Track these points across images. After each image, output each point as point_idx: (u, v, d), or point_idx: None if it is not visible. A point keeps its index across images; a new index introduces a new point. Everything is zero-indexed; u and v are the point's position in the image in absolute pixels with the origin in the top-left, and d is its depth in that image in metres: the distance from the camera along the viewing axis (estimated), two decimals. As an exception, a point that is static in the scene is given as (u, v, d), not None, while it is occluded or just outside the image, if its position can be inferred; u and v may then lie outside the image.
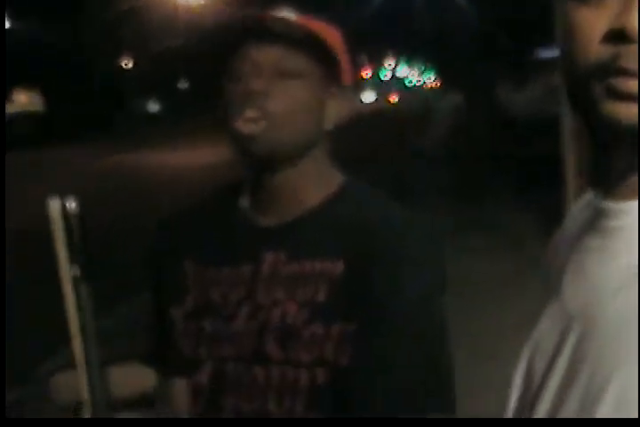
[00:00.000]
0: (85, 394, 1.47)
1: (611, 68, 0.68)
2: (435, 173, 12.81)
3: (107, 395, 1.47)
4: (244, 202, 1.39)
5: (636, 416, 0.64)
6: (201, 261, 1.38)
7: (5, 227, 8.45)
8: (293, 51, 1.27)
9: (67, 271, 1.42)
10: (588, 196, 0.84)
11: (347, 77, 1.35)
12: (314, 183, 1.33)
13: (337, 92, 1.34)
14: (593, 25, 0.70)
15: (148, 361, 1.46)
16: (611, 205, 0.75)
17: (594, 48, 0.70)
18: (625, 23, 0.67)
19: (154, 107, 45.00)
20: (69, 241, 1.42)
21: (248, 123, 1.25)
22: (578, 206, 0.88)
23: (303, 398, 1.26)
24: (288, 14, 1.30)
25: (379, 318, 1.23)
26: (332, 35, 1.32)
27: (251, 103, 1.25)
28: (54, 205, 1.40)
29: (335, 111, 1.34)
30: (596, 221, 0.77)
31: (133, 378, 1.54)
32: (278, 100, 1.25)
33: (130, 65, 38.92)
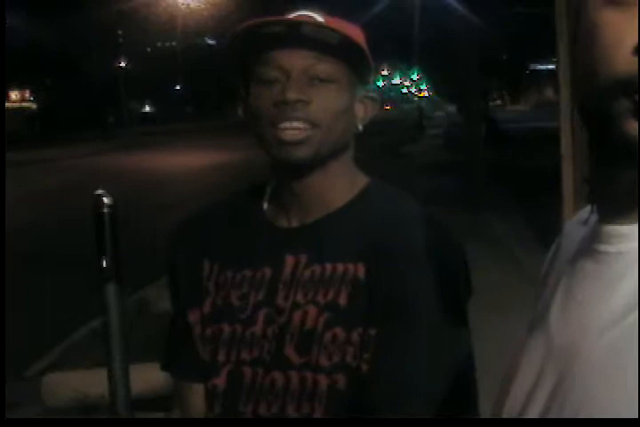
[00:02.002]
0: (107, 393, 1.46)
1: None
2: (428, 183, 12.81)
3: (129, 394, 1.45)
4: (266, 204, 1.38)
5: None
6: (221, 264, 1.37)
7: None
8: (325, 56, 1.26)
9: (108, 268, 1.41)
10: (585, 213, 0.78)
11: (372, 79, 1.36)
12: (340, 186, 1.33)
13: (365, 94, 1.34)
14: (623, 33, 0.62)
15: (164, 366, 1.44)
16: (611, 228, 0.69)
17: (622, 59, 0.61)
18: None
19: (149, 107, 44.88)
20: (103, 235, 1.41)
21: (289, 130, 1.24)
22: (573, 223, 0.83)
23: (322, 404, 1.24)
24: (317, 17, 1.28)
25: (401, 322, 1.21)
26: (359, 37, 1.31)
27: (289, 113, 1.23)
28: (101, 200, 1.38)
29: (363, 113, 1.34)
30: (592, 245, 0.71)
31: (152, 378, 1.53)
32: (316, 108, 1.25)
33: (125, 65, 38.80)
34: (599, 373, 0.63)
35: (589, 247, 0.71)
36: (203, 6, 38.84)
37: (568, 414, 0.65)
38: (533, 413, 0.70)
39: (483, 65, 14.90)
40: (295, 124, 1.24)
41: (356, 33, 1.31)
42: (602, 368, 0.63)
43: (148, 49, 42.98)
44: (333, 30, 1.24)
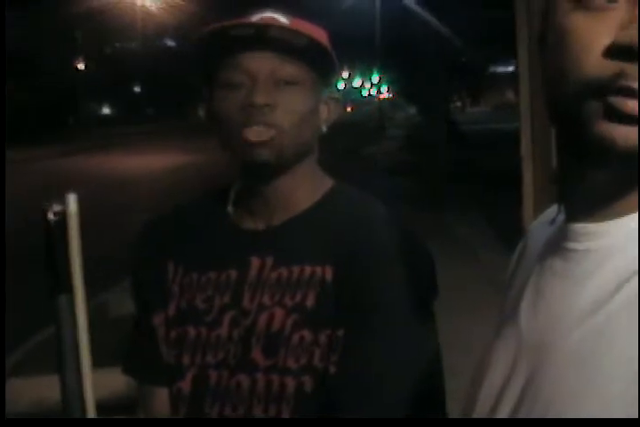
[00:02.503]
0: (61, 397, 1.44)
1: (611, 86, 0.61)
2: (389, 184, 12.86)
3: (82, 399, 1.43)
4: (231, 206, 1.37)
5: None
6: (186, 266, 1.36)
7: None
8: (291, 58, 1.25)
9: (77, 272, 1.38)
10: (552, 213, 0.79)
11: (336, 78, 1.36)
12: (305, 188, 1.33)
13: (330, 96, 1.34)
14: (593, 36, 0.63)
15: (126, 369, 1.42)
16: (579, 226, 0.69)
17: (592, 62, 0.62)
18: (632, 39, 0.60)
19: (109, 109, 44.59)
20: (51, 247, 1.38)
21: (256, 132, 1.24)
22: (540, 222, 0.84)
23: (289, 407, 1.24)
24: (282, 18, 1.28)
25: (368, 323, 1.21)
26: (324, 39, 1.31)
27: (257, 117, 1.23)
28: (71, 202, 1.36)
29: (327, 114, 1.34)
30: (560, 243, 0.71)
31: (114, 382, 1.51)
32: (283, 110, 1.24)
33: (84, 67, 38.51)
34: (569, 369, 0.64)
35: (557, 246, 0.72)
36: (162, 8, 38.67)
37: (539, 410, 0.65)
38: (504, 411, 0.70)
39: (443, 67, 15.00)
40: (262, 127, 1.23)
41: (321, 35, 1.30)
42: (572, 365, 0.64)
43: (107, 50, 42.70)
44: (300, 33, 1.24)
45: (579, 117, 0.64)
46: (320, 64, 1.29)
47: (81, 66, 38.38)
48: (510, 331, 0.75)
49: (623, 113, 0.61)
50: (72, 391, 1.43)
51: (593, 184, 0.68)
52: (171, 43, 44.93)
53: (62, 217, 1.37)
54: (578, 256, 0.69)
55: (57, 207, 1.39)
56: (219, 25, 1.24)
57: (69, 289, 1.41)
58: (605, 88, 0.62)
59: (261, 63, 1.25)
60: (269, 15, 1.28)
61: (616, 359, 0.61)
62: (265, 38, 1.23)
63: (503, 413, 0.71)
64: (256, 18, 1.27)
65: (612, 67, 0.61)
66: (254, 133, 1.24)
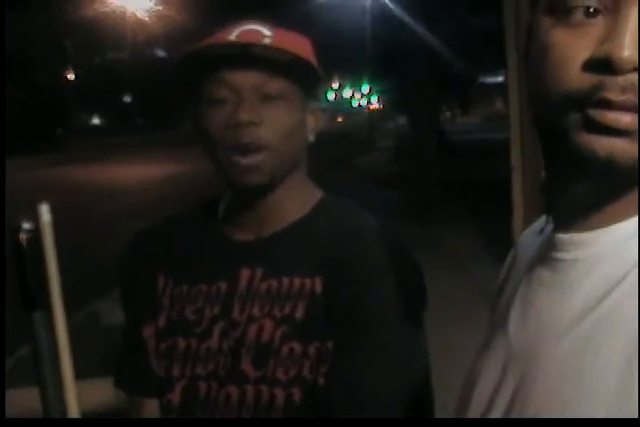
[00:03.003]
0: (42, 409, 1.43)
1: (591, 99, 0.63)
2: (378, 195, 12.87)
3: (63, 414, 1.42)
4: (222, 218, 1.37)
5: None
6: (176, 277, 1.35)
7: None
8: (273, 74, 1.24)
9: (54, 283, 1.37)
10: (540, 223, 0.80)
11: (322, 90, 1.35)
12: (295, 200, 1.32)
13: (316, 106, 1.33)
14: (573, 51, 0.65)
15: (118, 382, 1.42)
16: (566, 236, 0.71)
17: (573, 76, 0.64)
18: (610, 52, 0.62)
19: (98, 120, 44.55)
20: (23, 267, 1.37)
21: (245, 154, 1.23)
22: (530, 232, 0.85)
23: (278, 417, 1.23)
24: (265, 30, 1.27)
25: (357, 336, 1.21)
26: (307, 50, 1.30)
27: (242, 135, 1.22)
28: (44, 212, 1.35)
29: (314, 124, 1.33)
30: (548, 253, 0.73)
31: (104, 393, 1.50)
32: (269, 127, 1.23)
33: (74, 77, 38.48)
34: (558, 377, 0.65)
35: (546, 256, 0.73)
36: (153, 18, 38.70)
37: (528, 417, 0.66)
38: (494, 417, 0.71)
39: (432, 77, 15.04)
40: (248, 146, 1.22)
41: (305, 49, 1.30)
42: (560, 373, 0.65)
43: (98, 60, 42.69)
44: (282, 50, 1.23)
45: (561, 130, 0.66)
46: (305, 78, 1.28)
47: (71, 76, 38.35)
48: (499, 340, 0.76)
49: (603, 124, 0.63)
50: (53, 407, 1.42)
51: (578, 195, 0.70)
52: (161, 53, 44.96)
53: (34, 233, 1.36)
54: (566, 266, 0.70)
55: (28, 225, 1.38)
56: (199, 46, 1.24)
57: (45, 305, 1.40)
58: (585, 100, 0.64)
59: (245, 79, 1.23)
60: (252, 28, 1.27)
61: (603, 366, 0.62)
62: (247, 56, 1.22)
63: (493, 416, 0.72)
64: (238, 32, 1.26)
65: (591, 80, 0.63)
66: (242, 161, 1.23)
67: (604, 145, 0.63)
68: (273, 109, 1.24)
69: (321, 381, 1.22)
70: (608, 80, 0.63)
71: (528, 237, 0.85)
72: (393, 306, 1.22)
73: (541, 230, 0.78)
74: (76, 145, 31.42)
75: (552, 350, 0.67)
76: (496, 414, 0.71)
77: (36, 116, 30.65)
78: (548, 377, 0.66)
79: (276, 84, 1.24)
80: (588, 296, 0.67)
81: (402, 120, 27.66)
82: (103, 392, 1.54)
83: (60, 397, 1.40)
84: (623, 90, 0.62)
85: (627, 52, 0.61)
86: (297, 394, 1.23)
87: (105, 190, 15.77)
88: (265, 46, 1.23)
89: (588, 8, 0.64)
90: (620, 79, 0.62)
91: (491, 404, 0.73)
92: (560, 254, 0.71)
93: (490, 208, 8.73)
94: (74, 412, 1.41)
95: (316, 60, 1.32)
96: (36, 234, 1.36)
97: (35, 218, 1.36)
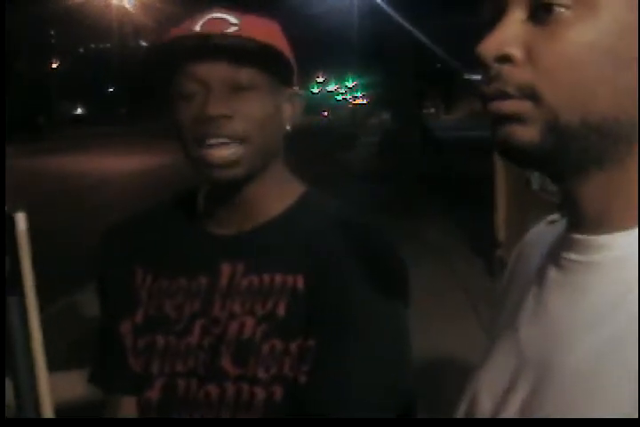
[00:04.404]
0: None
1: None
2: (361, 190, 12.87)
3: (36, 402, 1.41)
4: (199, 210, 1.33)
5: None
6: (154, 272, 1.32)
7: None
8: (243, 64, 1.20)
9: (29, 283, 1.36)
10: (550, 221, 0.79)
11: (295, 77, 1.30)
12: (275, 192, 1.29)
13: (290, 94, 1.29)
14: None
15: (91, 378, 1.39)
16: (583, 238, 0.69)
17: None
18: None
19: (81, 109, 44.30)
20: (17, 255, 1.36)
21: (217, 150, 1.19)
22: (537, 230, 0.83)
23: (258, 416, 1.21)
24: (231, 18, 1.23)
25: (340, 334, 1.18)
26: (275, 36, 1.26)
27: (213, 130, 1.18)
28: (20, 222, 1.33)
29: (291, 112, 1.29)
30: (563, 253, 0.71)
31: (80, 384, 1.48)
32: (241, 119, 1.20)
33: (58, 66, 38.21)
34: (573, 384, 0.63)
35: (559, 256, 0.71)
36: (138, 7, 38.47)
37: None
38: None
39: (417, 73, 15.05)
40: (221, 140, 1.19)
41: (273, 35, 1.26)
42: (577, 378, 0.63)
43: (81, 50, 42.46)
44: (247, 39, 1.19)
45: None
46: (275, 65, 1.24)
47: (55, 65, 38.12)
48: (508, 343, 0.74)
49: (493, 114, 0.67)
50: (25, 397, 1.41)
51: (565, 193, 0.69)
52: (145, 43, 44.76)
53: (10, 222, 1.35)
54: (582, 268, 0.68)
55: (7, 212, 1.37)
56: (165, 37, 1.21)
57: (20, 293, 1.39)
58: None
59: (212, 71, 1.19)
60: (217, 16, 1.23)
61: (618, 375, 0.60)
62: (210, 47, 1.18)
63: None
64: (203, 21, 1.22)
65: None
66: (216, 155, 1.19)
67: (500, 131, 0.67)
68: (245, 100, 1.20)
69: (302, 379, 1.19)
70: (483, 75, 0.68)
71: (537, 234, 0.83)
72: (375, 304, 1.20)
73: (552, 228, 0.77)
74: (59, 134, 31.26)
75: (567, 357, 0.65)
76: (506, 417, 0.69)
77: (18, 105, 30.46)
78: (562, 386, 0.64)
79: (244, 74, 1.20)
80: (604, 301, 0.65)
81: (386, 115, 27.67)
82: (83, 383, 1.52)
83: (35, 388, 1.39)
84: (490, 81, 0.67)
85: None
86: (278, 392, 1.21)
87: (88, 180, 15.70)
88: (227, 35, 1.19)
89: None
90: (492, 71, 0.67)
91: (499, 409, 0.71)
92: (575, 256, 0.69)
93: (473, 204, 8.74)
94: (47, 403, 1.40)
95: (287, 45, 1.28)
96: (12, 223, 1.34)
97: (13, 205, 1.35)
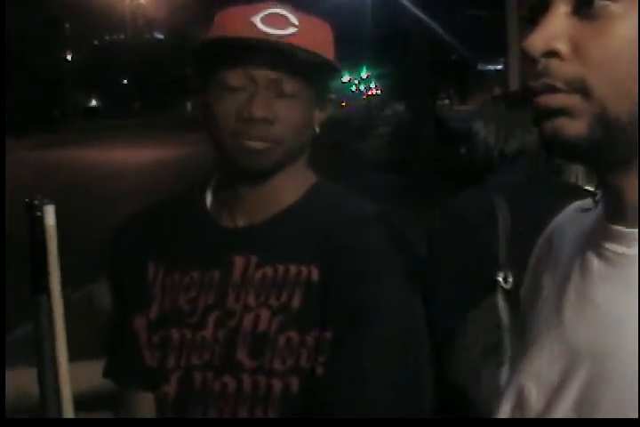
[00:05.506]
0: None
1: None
2: (375, 180, 12.85)
3: (58, 394, 1.41)
4: (209, 203, 1.34)
5: None
6: (167, 266, 1.32)
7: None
8: (296, 73, 1.23)
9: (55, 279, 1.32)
10: (583, 206, 0.79)
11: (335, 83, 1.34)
12: (289, 185, 1.30)
13: (326, 100, 1.32)
14: None
15: (106, 373, 1.39)
16: (628, 231, 0.69)
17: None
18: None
19: (95, 101, 44.40)
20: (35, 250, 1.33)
21: (251, 144, 1.22)
22: (568, 215, 0.83)
23: (276, 408, 1.21)
24: (288, 15, 1.23)
25: (356, 324, 1.18)
26: (330, 45, 1.29)
27: (253, 132, 1.21)
28: (49, 213, 1.25)
29: (323, 116, 1.32)
30: (606, 244, 0.70)
31: (96, 375, 1.47)
32: (282, 125, 1.22)
33: (72, 58, 38.30)
34: (633, 376, 0.64)
35: (601, 246, 0.71)
36: (152, 0, 38.51)
37: (603, 414, 0.65)
38: (562, 410, 0.70)
39: (432, 64, 15.01)
40: (259, 142, 1.22)
41: (328, 43, 1.28)
42: (635, 371, 0.64)
43: (96, 42, 42.51)
44: (309, 51, 1.21)
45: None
46: (322, 78, 1.28)
47: (69, 57, 38.20)
48: (554, 332, 0.73)
49: (540, 108, 0.67)
50: (49, 386, 1.41)
51: (618, 187, 0.69)
52: (159, 35, 44.79)
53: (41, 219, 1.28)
54: (629, 261, 0.68)
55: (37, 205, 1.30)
56: (230, 34, 1.22)
57: (48, 289, 1.36)
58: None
59: (266, 73, 1.22)
60: (276, 11, 1.23)
61: None
62: (275, 51, 1.21)
63: (560, 412, 0.70)
64: (263, 14, 1.22)
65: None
66: (251, 145, 1.22)
67: (548, 126, 0.67)
68: (287, 108, 1.23)
69: (319, 370, 1.19)
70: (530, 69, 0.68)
71: (567, 221, 0.82)
72: (390, 294, 1.20)
73: (586, 215, 0.77)
74: (73, 127, 31.35)
75: (624, 349, 0.65)
76: (559, 412, 0.70)
77: (32, 98, 30.53)
78: (623, 378, 0.65)
79: (293, 83, 1.23)
80: None
81: (400, 106, 27.60)
82: (98, 375, 1.53)
83: (58, 378, 1.39)
84: (538, 76, 0.67)
85: None
86: (295, 384, 1.21)
87: (102, 173, 15.73)
88: (294, 46, 1.21)
89: None
90: (540, 66, 0.67)
91: (551, 405, 0.71)
92: (621, 248, 0.69)
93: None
94: (68, 393, 1.40)
95: (335, 50, 1.30)
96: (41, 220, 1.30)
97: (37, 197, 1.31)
